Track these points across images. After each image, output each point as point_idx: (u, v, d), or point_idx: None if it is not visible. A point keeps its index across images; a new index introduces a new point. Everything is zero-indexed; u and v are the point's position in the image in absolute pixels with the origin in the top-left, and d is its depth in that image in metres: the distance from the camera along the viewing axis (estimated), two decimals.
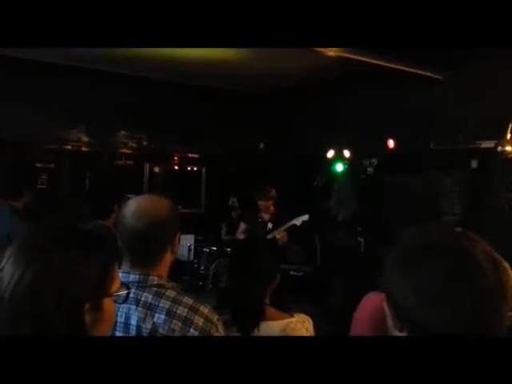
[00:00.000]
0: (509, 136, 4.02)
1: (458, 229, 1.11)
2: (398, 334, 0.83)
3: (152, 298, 1.31)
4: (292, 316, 1.68)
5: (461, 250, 0.78)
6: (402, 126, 5.14)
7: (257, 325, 1.60)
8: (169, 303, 1.30)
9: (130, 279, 1.33)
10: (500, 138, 4.04)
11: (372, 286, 2.27)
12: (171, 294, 1.33)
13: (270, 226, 4.61)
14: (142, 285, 1.33)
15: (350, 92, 5.64)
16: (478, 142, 4.60)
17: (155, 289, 1.33)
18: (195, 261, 5.74)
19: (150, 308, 1.30)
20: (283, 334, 1.59)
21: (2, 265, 0.86)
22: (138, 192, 6.26)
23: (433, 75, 4.86)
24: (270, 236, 4.46)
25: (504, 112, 4.09)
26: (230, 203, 6.83)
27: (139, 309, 1.30)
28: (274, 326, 1.62)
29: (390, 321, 0.85)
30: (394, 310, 0.82)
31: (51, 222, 0.98)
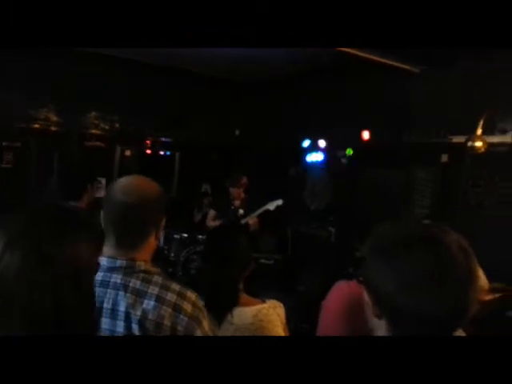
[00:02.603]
0: (479, 132, 4.12)
1: (427, 221, 1.19)
2: (376, 321, 0.88)
3: (140, 284, 1.30)
4: (264, 302, 1.69)
5: (436, 240, 0.83)
6: (377, 117, 5.19)
7: (230, 310, 1.60)
8: (157, 289, 1.29)
9: (117, 264, 1.31)
10: (471, 133, 4.13)
11: (341, 275, 2.28)
12: (158, 279, 1.32)
13: (241, 212, 4.63)
14: (130, 271, 1.32)
15: (327, 82, 5.65)
16: (449, 136, 4.69)
17: (142, 275, 1.32)
18: (165, 247, 5.68)
19: (138, 294, 1.29)
20: (255, 320, 1.60)
21: None
22: (108, 175, 6.10)
23: (410, 68, 4.90)
24: (243, 221, 4.47)
25: (476, 108, 4.18)
26: (203, 190, 6.78)
27: (128, 295, 1.28)
28: (246, 312, 1.62)
29: (369, 308, 0.90)
30: (373, 297, 0.88)
31: (36, 205, 0.95)
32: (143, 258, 1.36)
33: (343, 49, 4.20)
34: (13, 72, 5.16)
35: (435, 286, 0.80)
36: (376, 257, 0.87)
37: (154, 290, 1.29)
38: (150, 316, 1.26)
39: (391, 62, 4.70)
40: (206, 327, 1.31)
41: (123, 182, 1.39)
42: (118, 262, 1.32)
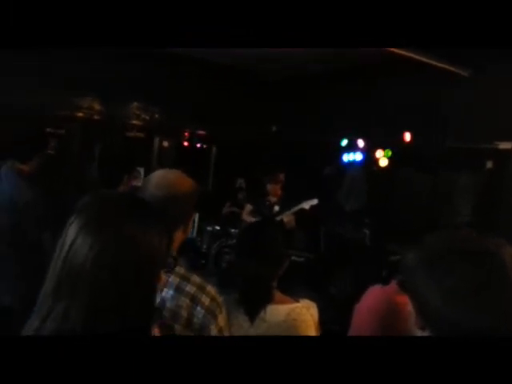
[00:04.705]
0: None
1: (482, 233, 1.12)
2: (418, 332, 0.87)
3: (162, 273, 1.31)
4: (297, 301, 1.67)
5: (489, 254, 0.80)
6: (420, 120, 5.04)
7: (264, 307, 1.59)
8: (178, 279, 1.31)
9: None
10: None
11: (375, 278, 2.23)
12: (180, 270, 1.33)
13: (276, 208, 4.62)
14: None
15: (369, 82, 5.53)
16: (495, 142, 4.51)
17: None
18: (198, 239, 5.74)
19: None
20: (288, 319, 1.58)
21: (71, 238, 0.82)
22: (146, 165, 6.23)
23: (456, 71, 4.74)
24: (278, 218, 4.46)
25: None
26: (238, 184, 6.81)
27: None
28: (280, 310, 1.61)
29: (412, 318, 0.88)
30: (418, 309, 0.86)
31: (106, 192, 0.95)
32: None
33: (390, 48, 4.11)
34: (52, 60, 5.29)
35: (485, 302, 0.77)
36: (424, 268, 0.84)
37: (174, 279, 1.31)
38: (168, 304, 1.27)
39: (440, 64, 4.56)
40: (221, 322, 1.31)
41: (157, 175, 1.41)
42: None
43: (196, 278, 1.33)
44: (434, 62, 4.50)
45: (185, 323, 1.26)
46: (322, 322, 1.72)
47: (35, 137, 4.28)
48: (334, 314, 3.24)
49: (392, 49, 4.16)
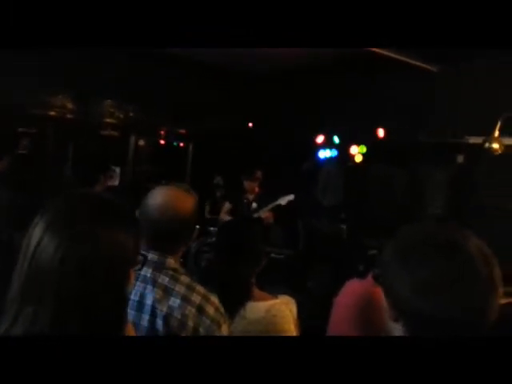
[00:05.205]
0: (497, 133, 4.05)
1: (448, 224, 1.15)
2: (392, 324, 0.89)
3: (168, 281, 1.33)
4: (276, 297, 1.69)
5: (456, 245, 0.83)
6: (393, 116, 5.14)
7: (243, 305, 1.61)
8: (184, 288, 1.33)
9: (149, 258, 1.32)
10: (488, 134, 4.07)
11: (353, 272, 2.27)
12: (185, 279, 1.36)
13: (254, 205, 4.64)
14: (160, 266, 1.35)
15: (344, 78, 5.60)
16: (466, 137, 4.63)
17: (171, 272, 1.35)
18: None
19: (166, 290, 1.32)
20: (268, 315, 1.60)
21: (37, 239, 0.80)
22: (122, 164, 6.12)
23: (427, 67, 4.84)
24: (255, 215, 4.47)
25: (494, 109, 4.11)
26: (215, 182, 6.79)
27: (156, 289, 1.32)
28: (259, 307, 1.63)
29: (386, 311, 0.90)
30: (391, 301, 0.88)
31: (73, 192, 0.92)
32: (173, 257, 1.40)
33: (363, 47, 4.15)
34: (27, 59, 5.18)
35: (453, 292, 0.79)
36: (395, 259, 0.87)
37: (180, 288, 1.32)
38: (175, 313, 1.29)
39: (409, 61, 4.65)
40: (224, 332, 1.33)
41: (159, 197, 1.39)
42: (150, 256, 1.34)
43: (200, 288, 1.35)
44: (404, 59, 4.59)
45: (191, 332, 1.27)
46: (301, 317, 1.75)
47: (6, 136, 4.17)
48: (313, 309, 3.28)
49: (365, 47, 4.22)
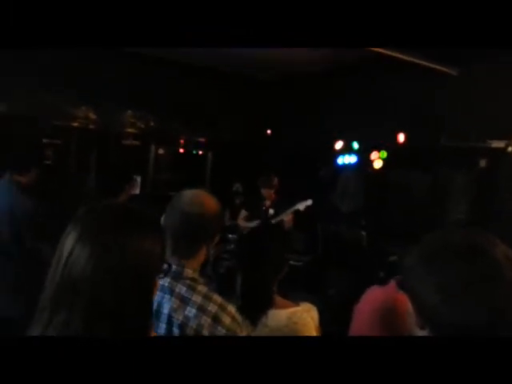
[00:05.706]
0: None
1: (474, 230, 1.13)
2: (418, 331, 0.88)
3: (185, 291, 1.36)
4: (298, 305, 1.68)
5: (483, 252, 0.82)
6: (414, 120, 5.08)
7: (265, 312, 1.61)
8: (200, 298, 1.34)
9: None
10: (511, 138, 4.00)
11: (374, 279, 2.25)
12: (203, 289, 1.37)
13: (271, 212, 4.65)
14: (178, 276, 1.37)
15: (362, 83, 5.57)
16: (488, 141, 4.55)
17: (189, 282, 1.38)
18: None
19: (182, 300, 1.34)
20: (290, 323, 1.60)
21: (68, 249, 0.84)
22: (142, 173, 6.19)
23: (448, 71, 4.78)
24: (276, 220, 4.48)
25: None
26: (234, 189, 6.81)
27: (173, 299, 1.34)
28: (281, 314, 1.63)
29: (412, 317, 0.90)
30: (417, 308, 0.87)
31: (101, 202, 0.96)
32: (192, 266, 1.41)
33: (381, 49, 4.14)
34: (50, 71, 5.30)
35: (480, 299, 0.79)
36: (422, 266, 0.86)
37: (197, 298, 1.34)
38: (191, 323, 1.30)
39: (429, 64, 4.60)
40: None
41: (189, 194, 1.46)
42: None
43: (217, 298, 1.37)
44: (424, 62, 4.54)
45: None
46: (322, 324, 1.74)
47: (33, 147, 4.26)
48: (334, 316, 3.25)
49: (384, 50, 4.20)
